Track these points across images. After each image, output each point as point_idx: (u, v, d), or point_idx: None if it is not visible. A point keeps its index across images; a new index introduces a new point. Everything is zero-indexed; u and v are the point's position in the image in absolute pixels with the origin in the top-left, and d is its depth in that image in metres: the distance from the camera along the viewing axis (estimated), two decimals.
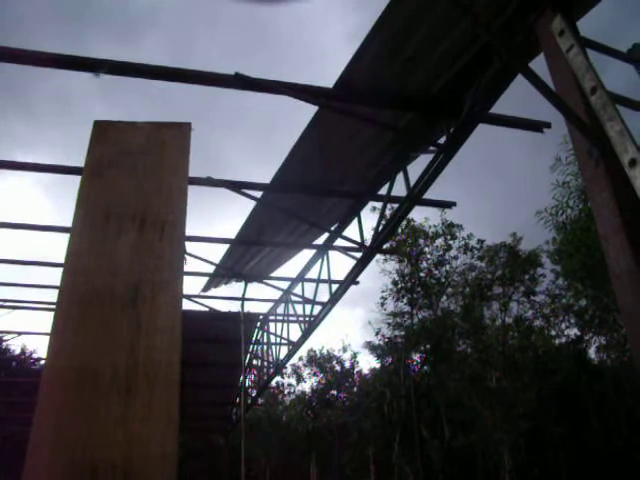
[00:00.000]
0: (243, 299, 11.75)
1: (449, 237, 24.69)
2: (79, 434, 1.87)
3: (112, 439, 1.87)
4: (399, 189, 7.06)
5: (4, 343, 25.80)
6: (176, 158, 2.70)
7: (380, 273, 24.89)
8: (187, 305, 11.88)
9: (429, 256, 24.83)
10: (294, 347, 12.47)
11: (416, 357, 26.65)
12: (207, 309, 12.12)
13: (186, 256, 2.34)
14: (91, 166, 2.60)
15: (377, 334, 26.36)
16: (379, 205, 7.76)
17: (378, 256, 24.58)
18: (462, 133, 5.41)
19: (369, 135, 6.18)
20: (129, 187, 2.55)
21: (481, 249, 25.05)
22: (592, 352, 27.83)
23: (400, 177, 6.84)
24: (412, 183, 6.47)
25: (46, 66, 5.18)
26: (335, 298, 9.58)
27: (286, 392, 35.82)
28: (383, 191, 7.38)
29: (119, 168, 2.61)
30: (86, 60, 5.06)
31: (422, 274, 24.70)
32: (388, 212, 7.55)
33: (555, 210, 17.41)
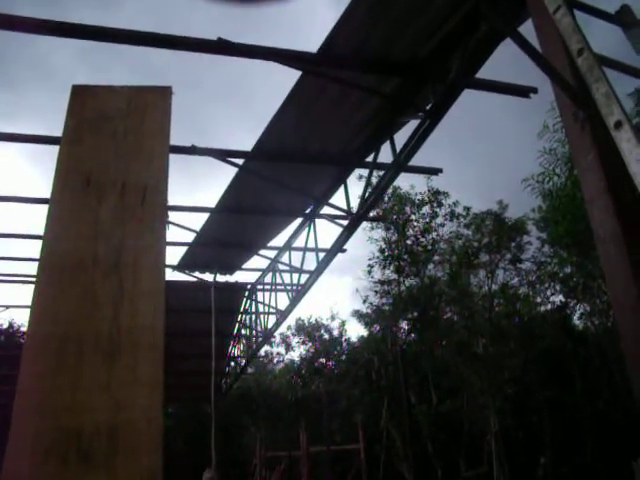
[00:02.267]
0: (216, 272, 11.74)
1: (435, 204, 24.71)
2: (63, 400, 1.86)
3: (97, 404, 1.86)
4: (385, 156, 7.03)
5: None
6: (157, 122, 2.65)
7: (367, 241, 24.98)
8: (176, 276, 11.86)
9: (415, 224, 24.86)
10: (282, 316, 12.53)
11: (403, 325, 26.92)
12: (195, 279, 12.13)
13: (168, 220, 2.31)
14: (69, 132, 2.55)
15: (365, 302, 26.55)
16: (365, 173, 7.73)
17: (365, 224, 24.62)
18: (448, 98, 5.36)
19: (354, 101, 6.11)
20: (109, 152, 2.50)
21: (467, 216, 25.13)
22: (576, 319, 28.23)
23: (386, 144, 6.81)
24: (398, 150, 6.43)
25: (28, 32, 5.05)
26: (322, 266, 9.59)
27: (275, 361, 36.15)
28: (369, 159, 7.35)
29: (98, 133, 2.56)
30: (68, 25, 4.94)
31: (409, 242, 24.76)
32: (374, 180, 7.53)
33: (542, 177, 17.45)
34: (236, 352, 17.79)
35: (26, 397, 1.88)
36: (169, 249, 10.56)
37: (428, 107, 5.81)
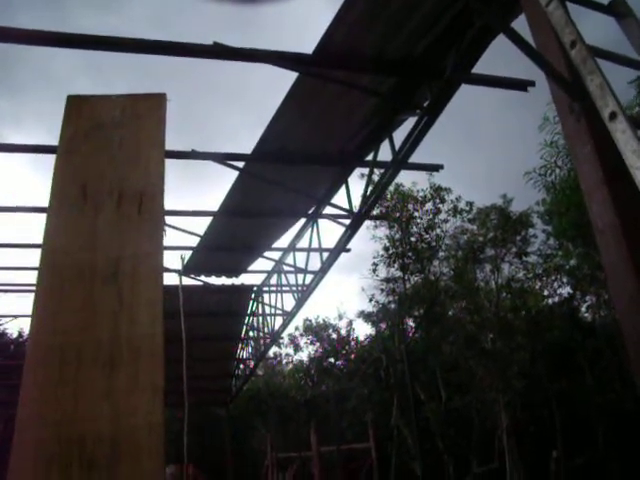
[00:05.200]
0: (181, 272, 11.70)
1: (438, 201, 24.63)
2: (65, 409, 1.87)
3: (98, 412, 1.87)
4: (385, 154, 7.04)
5: (1, 327, 25.81)
6: (152, 130, 2.66)
7: (371, 239, 24.95)
8: (184, 280, 11.85)
9: (419, 220, 24.78)
10: (289, 317, 12.55)
11: (410, 322, 26.88)
12: (201, 283, 12.14)
13: (166, 228, 2.31)
14: (65, 142, 2.56)
15: (371, 300, 26.53)
16: (367, 172, 7.73)
17: (368, 222, 24.61)
18: (445, 94, 5.36)
19: (352, 101, 6.12)
20: (105, 161, 2.52)
21: (470, 211, 25.06)
22: (584, 310, 28.14)
23: (386, 143, 6.81)
24: (397, 148, 6.44)
25: (27, 44, 5.09)
26: (326, 266, 9.61)
27: (284, 362, 36.15)
28: (370, 157, 7.36)
29: (94, 142, 2.57)
30: (66, 36, 4.97)
31: (413, 239, 24.70)
32: (375, 178, 7.53)
33: (544, 170, 17.40)
34: (244, 354, 17.83)
35: (28, 407, 1.90)
36: (173, 253, 10.60)
37: (425, 104, 5.80)
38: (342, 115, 6.40)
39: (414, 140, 5.89)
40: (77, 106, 2.71)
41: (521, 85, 5.94)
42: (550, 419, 24.72)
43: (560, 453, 22.41)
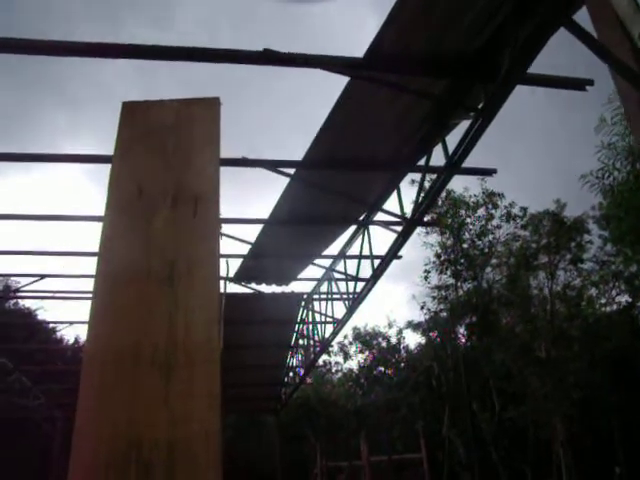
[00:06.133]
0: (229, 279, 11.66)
1: (490, 206, 24.18)
2: (122, 412, 1.85)
3: (155, 418, 1.84)
4: (438, 159, 6.91)
5: (58, 333, 26.57)
6: (206, 134, 2.65)
7: (422, 246, 24.66)
8: (234, 288, 11.90)
9: (471, 227, 24.39)
10: (339, 324, 12.47)
11: (462, 330, 26.42)
12: (252, 291, 12.19)
13: (221, 232, 2.28)
14: (120, 147, 2.57)
15: (422, 308, 26.18)
16: (418, 178, 7.62)
17: (420, 229, 24.34)
18: (499, 96, 5.20)
19: (404, 105, 6.02)
20: (159, 165, 2.51)
21: (524, 217, 24.49)
22: None
23: (438, 147, 6.68)
24: (450, 152, 6.30)
25: (80, 56, 5.20)
26: (378, 273, 9.50)
27: (334, 370, 36.04)
28: (422, 162, 7.24)
29: (148, 147, 2.57)
30: (117, 47, 5.06)
31: (465, 245, 24.30)
32: (427, 184, 7.41)
33: (601, 173, 16.81)
34: (295, 362, 17.82)
35: (86, 411, 1.88)
36: (222, 260, 10.67)
37: (479, 106, 5.66)
38: (394, 120, 6.31)
39: (468, 143, 5.74)
40: (131, 111, 2.72)
41: (579, 84, 5.74)
42: (609, 432, 23.84)
43: (623, 469, 21.54)
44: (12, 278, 18.11)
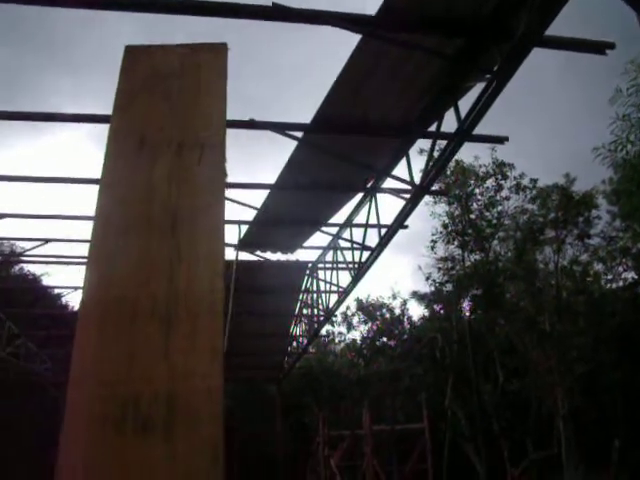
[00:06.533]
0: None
1: (500, 177, 23.84)
2: (120, 367, 1.75)
3: (154, 372, 1.74)
4: (448, 126, 6.74)
5: (63, 298, 26.65)
6: (213, 79, 2.51)
7: (430, 216, 24.42)
8: (240, 255, 11.78)
9: (480, 197, 24.11)
10: (344, 294, 12.41)
11: (467, 302, 26.32)
12: (256, 258, 12.12)
13: (227, 179, 2.18)
14: (122, 94, 2.43)
15: (427, 279, 26.06)
16: (427, 147, 7.46)
17: (427, 199, 24.13)
18: (515, 58, 5.02)
19: (415, 65, 5.85)
20: (164, 112, 2.38)
21: (534, 189, 24.13)
22: None
23: (449, 113, 6.51)
24: (463, 117, 6.12)
25: (83, 7, 5.04)
26: (384, 242, 9.38)
27: (337, 340, 36.16)
28: (432, 129, 7.07)
29: (152, 93, 2.44)
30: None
31: (473, 216, 24.04)
32: (437, 153, 7.24)
33: (614, 146, 16.46)
34: (298, 331, 17.82)
35: (81, 366, 1.78)
36: (229, 227, 10.57)
37: (494, 69, 5.47)
38: (404, 81, 6.14)
39: (481, 108, 5.57)
40: (135, 57, 2.59)
41: (600, 47, 5.53)
42: (612, 407, 23.90)
43: (622, 443, 21.63)
44: (17, 243, 18.09)
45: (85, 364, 1.78)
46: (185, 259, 1.98)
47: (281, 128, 7.07)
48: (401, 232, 9.25)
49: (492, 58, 5.50)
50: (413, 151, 8.07)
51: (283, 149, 7.80)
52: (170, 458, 1.62)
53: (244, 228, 10.66)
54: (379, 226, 9.43)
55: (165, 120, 2.35)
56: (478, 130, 6.74)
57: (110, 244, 2.02)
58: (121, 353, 1.78)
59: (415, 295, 30.29)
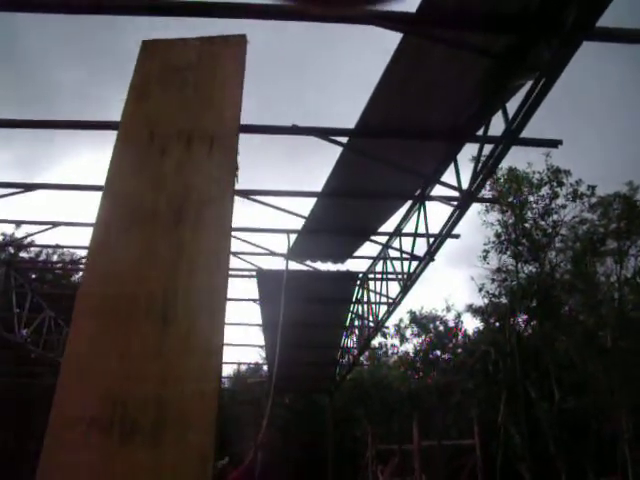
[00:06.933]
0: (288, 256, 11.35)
1: (555, 184, 22.98)
2: (111, 366, 1.65)
3: (147, 372, 1.63)
4: (497, 130, 6.47)
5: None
6: (229, 71, 2.40)
7: (482, 225, 23.79)
8: (291, 266, 11.66)
9: (534, 205, 23.29)
10: (393, 305, 12.16)
11: (522, 314, 25.46)
12: (306, 268, 12.00)
13: (238, 173, 2.06)
14: (136, 86, 2.36)
15: (480, 290, 25.39)
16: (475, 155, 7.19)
17: (479, 208, 23.56)
18: (565, 52, 4.71)
19: (462, 66, 5.62)
20: (176, 104, 2.29)
21: (592, 195, 23.16)
22: None
23: (496, 117, 6.24)
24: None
25: (96, 13, 5.06)
26: (433, 251, 9.12)
27: (389, 353, 35.71)
28: (480, 132, 6.82)
29: (166, 86, 2.36)
30: (132, 4, 4.90)
31: (527, 225, 23.26)
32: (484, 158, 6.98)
33: None
34: (349, 343, 17.61)
35: (73, 362, 1.69)
36: (277, 236, 10.51)
37: (543, 65, 5.18)
38: (451, 82, 5.92)
39: (529, 106, 5.27)
40: (151, 50, 2.51)
41: None
42: None
43: None
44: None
45: (77, 361, 1.69)
46: (187, 255, 1.87)
47: (324, 133, 6.95)
48: (455, 244, 9.01)
49: (540, 55, 5.23)
50: (463, 158, 7.83)
51: (330, 150, 7.66)
52: (156, 466, 1.50)
53: (293, 238, 10.56)
54: (427, 235, 9.18)
55: (177, 113, 2.27)
56: (534, 135, 6.47)
57: (112, 238, 1.93)
58: (114, 351, 1.68)
59: (470, 309, 29.62)
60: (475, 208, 25.45)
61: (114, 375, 1.65)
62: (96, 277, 1.87)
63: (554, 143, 6.99)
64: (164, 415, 1.57)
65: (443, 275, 60.30)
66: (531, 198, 23.25)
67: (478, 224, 24.92)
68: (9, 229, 25.26)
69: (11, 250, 21.39)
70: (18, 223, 16.63)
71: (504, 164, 23.98)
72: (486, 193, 22.51)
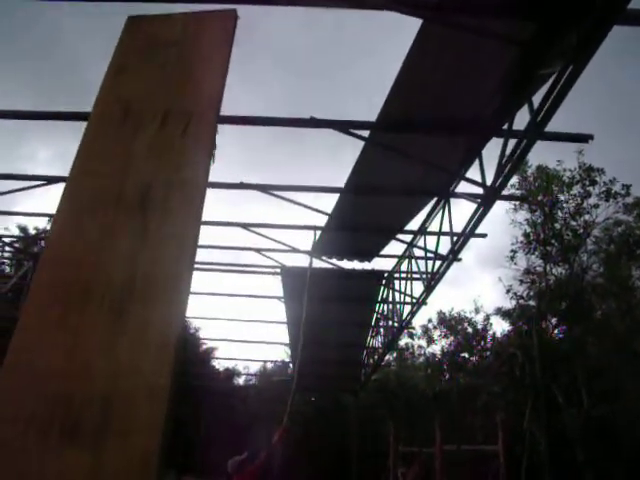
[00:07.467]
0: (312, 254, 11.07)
1: (587, 183, 22.18)
2: (57, 360, 1.50)
3: (93, 369, 1.47)
4: (521, 124, 6.19)
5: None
6: (214, 47, 2.24)
7: (510, 224, 23.16)
8: (316, 263, 11.46)
9: (565, 205, 22.54)
10: (417, 305, 11.90)
11: (551, 317, 24.78)
12: (331, 266, 11.80)
13: (215, 153, 1.90)
14: (115, 63, 2.21)
15: (508, 292, 24.81)
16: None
17: (507, 206, 22.97)
18: (594, 36, 4.41)
19: (487, 55, 5.36)
20: (155, 81, 2.14)
21: (628, 195, 22.24)
22: None
23: (522, 110, 5.96)
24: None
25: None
26: (457, 249, 8.84)
27: (416, 354, 35.27)
28: (505, 127, 6.53)
29: (147, 62, 2.20)
30: None
31: (557, 225, 22.53)
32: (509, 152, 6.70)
33: None
34: (375, 343, 17.38)
35: (18, 354, 1.54)
36: (302, 233, 10.32)
37: (570, 52, 4.88)
38: (476, 72, 5.66)
39: (556, 97, 4.98)
40: (135, 26, 2.37)
41: None
42: None
43: None
44: None
45: (21, 351, 1.54)
46: (150, 241, 1.70)
47: (344, 126, 6.75)
48: (485, 244, 8.84)
49: (568, 41, 4.93)
50: (491, 156, 7.54)
51: (351, 144, 7.44)
52: (94, 472, 1.34)
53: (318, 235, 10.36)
54: (452, 234, 8.91)
55: (156, 90, 2.11)
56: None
57: (73, 221, 1.79)
58: (62, 343, 1.53)
59: (499, 312, 29.02)
60: (503, 207, 24.89)
61: (59, 371, 1.50)
62: (51, 264, 1.72)
63: (584, 138, 6.66)
64: (109, 415, 1.41)
65: (473, 276, 59.52)
66: (562, 197, 22.51)
67: (506, 226, 24.39)
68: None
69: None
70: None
71: (534, 162, 23.35)
72: (515, 192, 21.92)
